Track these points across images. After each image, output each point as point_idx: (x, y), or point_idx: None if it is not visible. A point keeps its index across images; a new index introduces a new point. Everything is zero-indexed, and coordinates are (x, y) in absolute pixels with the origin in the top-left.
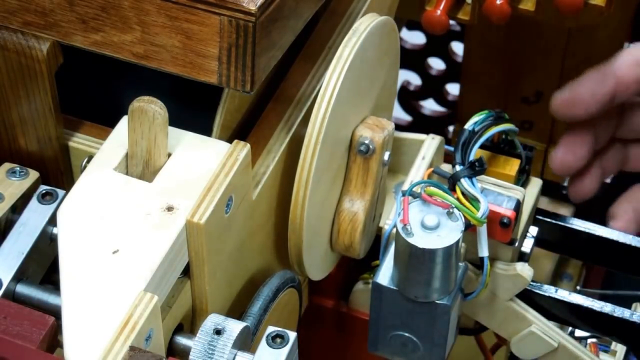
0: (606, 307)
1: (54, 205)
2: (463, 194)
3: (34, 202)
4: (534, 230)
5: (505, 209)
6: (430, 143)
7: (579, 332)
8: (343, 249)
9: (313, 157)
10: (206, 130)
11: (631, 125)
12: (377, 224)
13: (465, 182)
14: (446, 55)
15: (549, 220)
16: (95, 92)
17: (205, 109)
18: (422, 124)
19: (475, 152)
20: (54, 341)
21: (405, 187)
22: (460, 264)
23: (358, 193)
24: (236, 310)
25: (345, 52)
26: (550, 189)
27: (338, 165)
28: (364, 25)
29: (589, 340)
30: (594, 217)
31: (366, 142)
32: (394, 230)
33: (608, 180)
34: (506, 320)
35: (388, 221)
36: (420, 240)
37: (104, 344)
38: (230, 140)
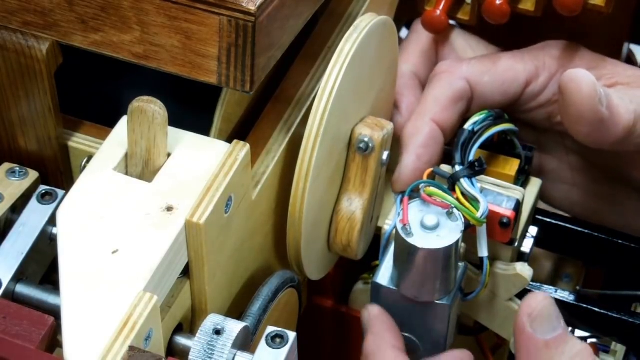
0: (606, 308)
1: (54, 205)
2: (463, 194)
3: (33, 202)
4: (534, 230)
5: (505, 209)
6: None
7: (579, 332)
8: (341, 249)
9: (313, 150)
10: (205, 130)
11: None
12: (374, 226)
13: (464, 182)
14: None
15: (549, 220)
16: (95, 92)
17: (204, 109)
18: None
19: (475, 152)
20: (53, 341)
21: None
22: (460, 264)
23: (356, 192)
24: (236, 310)
25: (346, 47)
26: None
27: (337, 163)
28: (365, 23)
29: (589, 341)
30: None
31: (365, 139)
32: (394, 230)
33: None
34: (506, 320)
35: (388, 221)
36: (420, 240)
37: (104, 344)
38: (229, 140)
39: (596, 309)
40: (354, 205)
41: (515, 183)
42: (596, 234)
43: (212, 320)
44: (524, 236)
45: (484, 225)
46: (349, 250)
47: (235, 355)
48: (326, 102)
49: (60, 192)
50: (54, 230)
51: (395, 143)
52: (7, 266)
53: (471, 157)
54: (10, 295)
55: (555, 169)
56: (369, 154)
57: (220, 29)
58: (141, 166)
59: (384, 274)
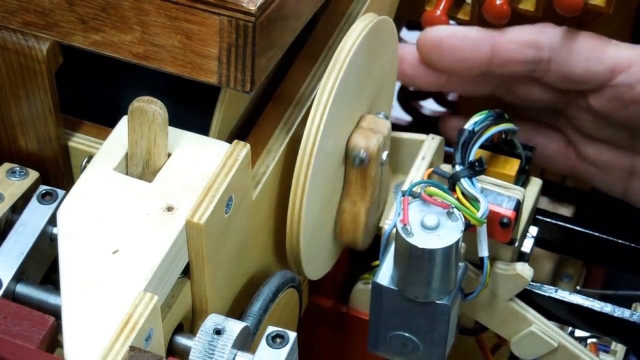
0: (606, 307)
1: (54, 205)
2: (463, 194)
3: (34, 202)
4: (534, 230)
5: (505, 209)
6: (430, 143)
7: (579, 332)
8: (346, 244)
9: (312, 151)
10: (205, 130)
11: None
12: (380, 215)
13: (465, 182)
14: None
15: (549, 220)
16: (95, 92)
17: (204, 109)
18: (422, 124)
19: (475, 152)
20: (54, 341)
21: (405, 187)
22: (460, 264)
23: (358, 195)
24: (236, 310)
25: (346, 47)
26: (550, 189)
27: (337, 163)
28: (365, 23)
29: (589, 341)
30: (594, 217)
31: (361, 154)
32: (394, 230)
33: None
34: (506, 320)
35: (388, 221)
36: (420, 240)
37: (104, 344)
38: (229, 140)
39: (596, 309)
40: (357, 207)
41: (516, 183)
42: (596, 234)
43: (213, 320)
44: (524, 236)
45: (484, 225)
46: (354, 244)
47: (235, 355)
48: (325, 102)
49: (61, 192)
50: (54, 230)
51: (393, 145)
52: (7, 266)
53: (471, 157)
54: (10, 295)
55: None
56: (366, 165)
57: (221, 29)
58: (141, 166)
59: (385, 274)
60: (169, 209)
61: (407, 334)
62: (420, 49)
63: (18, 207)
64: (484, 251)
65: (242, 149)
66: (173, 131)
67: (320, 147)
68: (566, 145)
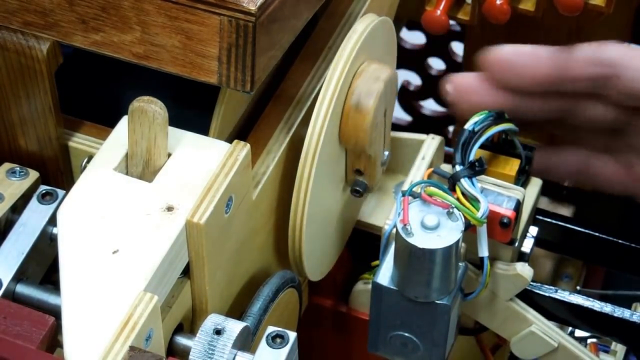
0: (606, 307)
1: (54, 205)
2: (463, 194)
3: (34, 202)
4: (534, 230)
5: (505, 209)
6: (430, 143)
7: (579, 332)
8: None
9: (315, 155)
10: (205, 130)
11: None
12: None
13: (465, 182)
14: (446, 55)
15: (549, 220)
16: (95, 92)
17: (204, 109)
18: (422, 124)
19: (475, 152)
20: (54, 341)
21: (405, 187)
22: (460, 264)
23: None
24: (236, 310)
25: (346, 48)
26: (550, 189)
27: (338, 164)
28: (365, 23)
29: (589, 341)
30: (594, 217)
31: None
32: (394, 230)
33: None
34: (506, 320)
35: (388, 221)
36: (420, 240)
37: (104, 344)
38: (229, 140)
39: (596, 309)
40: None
41: (516, 183)
42: (596, 234)
43: (213, 320)
44: (524, 236)
45: (484, 225)
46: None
47: (235, 355)
48: (328, 103)
49: (61, 192)
50: (55, 230)
51: (393, 145)
52: (7, 266)
53: (471, 157)
54: (10, 295)
55: None
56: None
57: (221, 29)
58: (141, 166)
59: (385, 274)
60: (169, 209)
61: (407, 334)
62: (493, 69)
63: (18, 207)
64: (484, 251)
65: (242, 149)
66: (173, 131)
67: (323, 148)
68: (625, 166)
